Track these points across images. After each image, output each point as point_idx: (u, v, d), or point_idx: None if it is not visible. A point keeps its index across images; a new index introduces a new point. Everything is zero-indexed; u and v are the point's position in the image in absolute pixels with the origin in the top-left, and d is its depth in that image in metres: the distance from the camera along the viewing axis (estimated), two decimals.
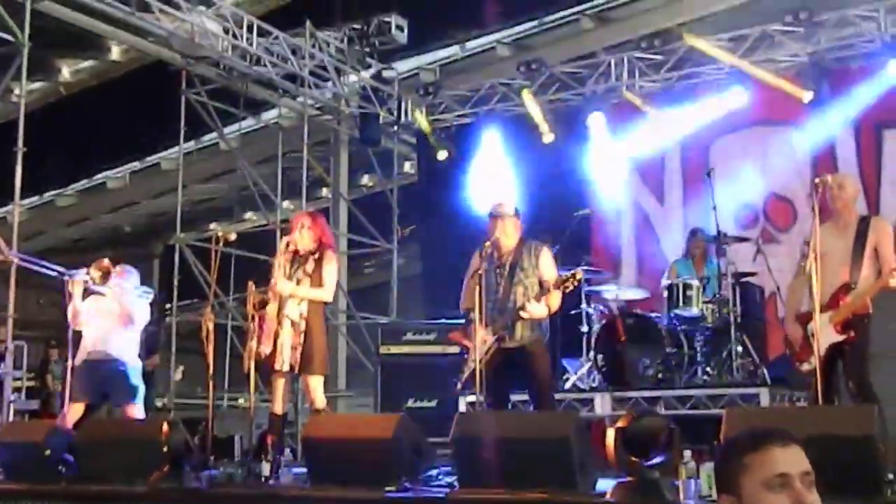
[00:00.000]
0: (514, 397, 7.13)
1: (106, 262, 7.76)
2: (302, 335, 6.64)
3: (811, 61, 10.88)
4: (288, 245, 6.83)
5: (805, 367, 6.17)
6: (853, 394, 6.00)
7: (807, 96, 10.51)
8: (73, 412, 7.53)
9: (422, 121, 12.79)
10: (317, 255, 6.81)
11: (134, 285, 8.01)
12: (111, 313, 7.80)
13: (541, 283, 6.45)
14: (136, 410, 7.79)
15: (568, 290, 6.44)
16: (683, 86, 11.67)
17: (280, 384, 6.78)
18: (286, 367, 6.65)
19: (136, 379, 7.89)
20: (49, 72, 13.82)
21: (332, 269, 6.84)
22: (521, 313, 6.33)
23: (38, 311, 10.96)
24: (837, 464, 3.68)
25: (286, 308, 6.69)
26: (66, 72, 14.07)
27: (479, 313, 6.24)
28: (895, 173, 10.48)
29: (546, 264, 6.54)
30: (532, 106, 11.96)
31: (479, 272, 6.36)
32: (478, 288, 6.25)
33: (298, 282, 6.75)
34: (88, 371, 7.70)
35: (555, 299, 6.45)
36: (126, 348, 7.82)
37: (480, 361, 6.21)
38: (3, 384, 9.49)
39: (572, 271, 6.41)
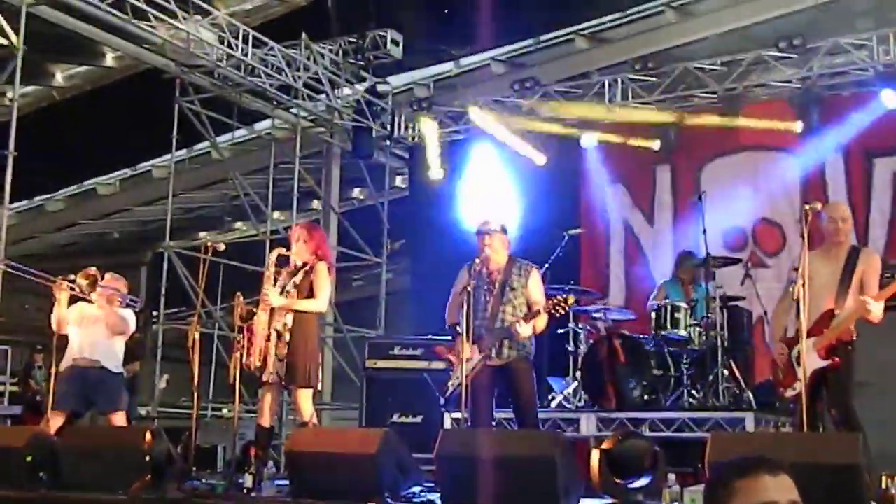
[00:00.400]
0: (499, 415, 7.13)
1: (93, 270, 7.74)
2: (286, 347, 6.62)
3: (804, 88, 10.94)
4: (279, 257, 6.84)
5: (789, 392, 6.19)
6: (835, 421, 6.01)
7: (798, 125, 10.58)
8: (57, 418, 7.49)
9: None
10: (307, 268, 6.81)
11: (121, 294, 7.99)
12: (98, 320, 7.78)
13: (528, 304, 6.49)
14: (120, 418, 7.76)
15: (558, 315, 6.47)
16: (676, 108, 11.71)
17: (268, 397, 6.76)
18: (273, 379, 6.63)
19: (121, 387, 7.87)
20: (43, 76, 13.78)
21: (326, 281, 6.83)
22: (513, 332, 6.36)
23: (23, 316, 10.91)
24: (822, 491, 3.69)
25: (274, 320, 6.68)
26: (59, 77, 14.04)
27: (465, 330, 6.25)
28: (884, 201, 10.53)
29: (535, 285, 6.60)
30: (513, 139, 12.03)
31: (468, 288, 6.38)
32: (465, 305, 6.27)
33: (287, 294, 6.74)
34: (74, 377, 7.67)
35: (542, 321, 6.48)
36: (112, 356, 7.79)
37: (466, 377, 6.21)
38: None
39: (564, 296, 6.44)
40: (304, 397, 6.68)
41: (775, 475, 2.35)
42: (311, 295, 6.74)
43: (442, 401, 6.78)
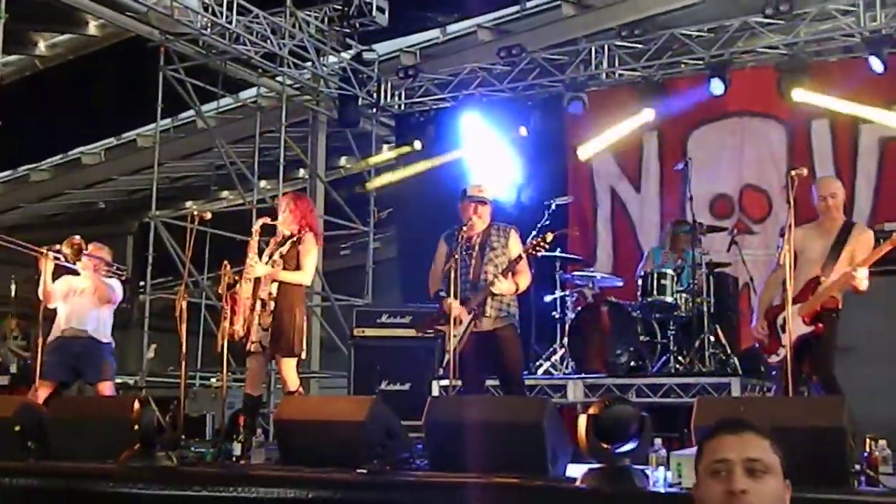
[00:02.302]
0: (489, 382, 7.18)
1: (78, 238, 7.73)
2: (271, 315, 6.64)
3: (790, 54, 10.92)
4: (264, 226, 6.85)
5: (773, 358, 6.25)
6: (817, 386, 6.09)
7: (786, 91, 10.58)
8: (45, 389, 7.51)
9: None
10: (295, 239, 6.81)
11: (106, 262, 7.99)
12: (85, 291, 7.78)
13: (510, 262, 6.53)
14: (109, 388, 7.78)
15: (538, 253, 6.54)
16: (662, 76, 11.69)
17: (254, 365, 6.80)
18: (257, 348, 6.66)
19: (109, 356, 7.87)
20: (25, 45, 13.64)
21: (312, 253, 6.86)
22: (492, 288, 6.40)
23: (8, 287, 10.84)
24: (806, 454, 3.72)
25: (259, 289, 6.69)
26: (42, 46, 13.89)
27: (453, 294, 6.28)
28: (870, 166, 10.56)
29: (515, 244, 6.66)
30: None
31: (455, 256, 6.41)
32: (453, 272, 6.31)
33: (273, 263, 6.74)
34: (62, 348, 7.68)
35: (524, 278, 6.56)
36: (100, 326, 7.80)
37: (458, 342, 6.27)
38: None
39: (541, 235, 6.49)
40: (289, 366, 6.73)
41: (737, 434, 2.36)
42: (297, 265, 6.75)
43: (441, 371, 6.79)
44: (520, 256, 6.51)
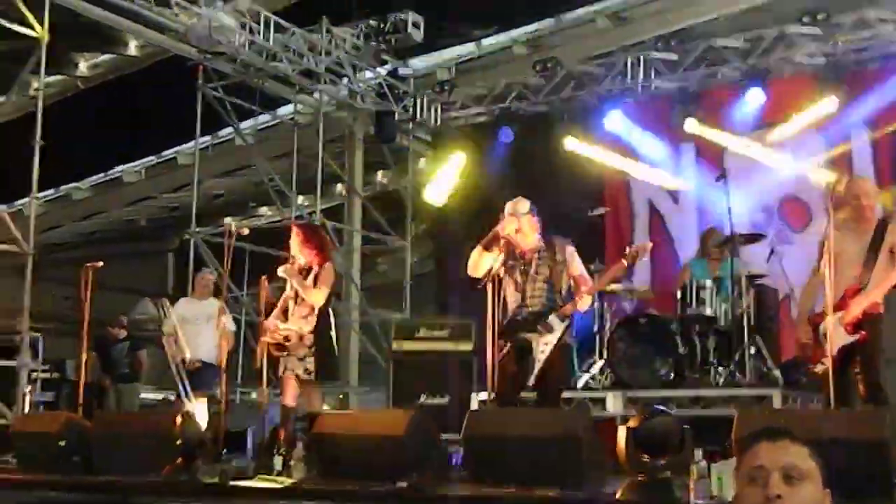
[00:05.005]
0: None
1: None
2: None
3: (828, 62, 10.85)
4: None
5: (819, 368, 6.15)
6: (864, 397, 5.97)
7: (825, 100, 10.49)
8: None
9: None
10: (316, 272, 7.03)
11: None
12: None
13: (574, 280, 6.44)
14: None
15: (637, 262, 6.50)
16: (699, 86, 11.65)
17: (291, 380, 6.88)
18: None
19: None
20: (67, 66, 13.86)
21: (330, 279, 7.08)
22: (585, 298, 6.34)
23: (51, 305, 11.01)
24: (849, 467, 3.69)
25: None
26: (83, 66, 14.10)
27: (493, 319, 6.15)
28: None
29: (574, 260, 6.49)
30: None
31: (498, 274, 6.30)
32: (492, 292, 6.18)
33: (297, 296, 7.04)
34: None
35: (587, 300, 6.45)
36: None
37: (500, 358, 6.20)
38: (18, 375, 9.56)
39: (640, 243, 6.38)
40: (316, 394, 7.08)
41: (775, 441, 2.36)
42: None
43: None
44: (621, 267, 6.49)
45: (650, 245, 6.50)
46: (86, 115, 14.10)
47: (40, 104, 9.81)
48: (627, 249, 6.44)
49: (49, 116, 9.98)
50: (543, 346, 6.26)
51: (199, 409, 8.44)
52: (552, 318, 6.28)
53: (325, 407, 7.42)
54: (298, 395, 7.05)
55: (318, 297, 6.98)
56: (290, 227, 7.56)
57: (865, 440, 4.25)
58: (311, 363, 6.89)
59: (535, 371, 6.29)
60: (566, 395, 7.41)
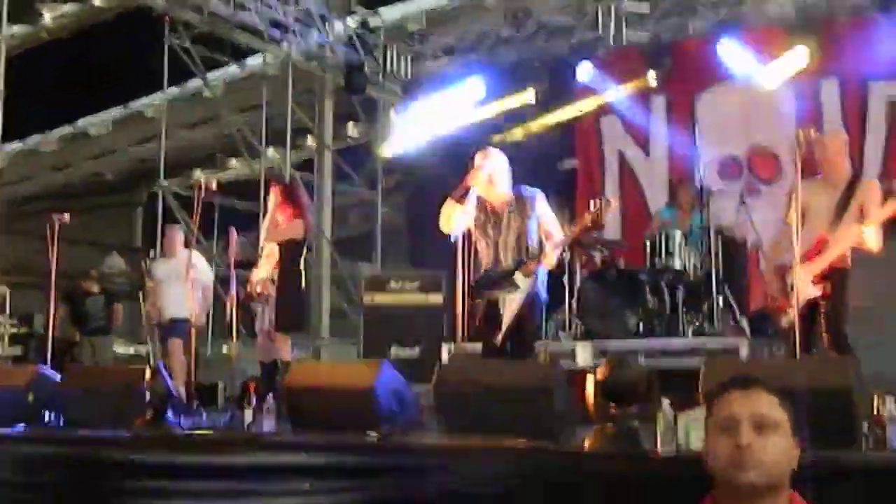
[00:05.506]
0: None
1: None
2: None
3: (799, 13, 10.83)
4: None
5: (784, 318, 6.22)
6: (829, 348, 6.05)
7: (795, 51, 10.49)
8: None
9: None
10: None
11: None
12: None
13: (544, 231, 6.42)
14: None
15: (599, 221, 6.44)
16: (670, 37, 11.61)
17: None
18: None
19: None
20: (30, 16, 13.61)
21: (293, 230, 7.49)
22: (549, 254, 6.31)
23: (23, 258, 10.91)
24: (815, 414, 3.72)
25: None
26: (47, 16, 13.84)
27: (464, 273, 6.16)
28: (879, 127, 10.49)
29: (546, 212, 6.47)
30: None
31: (470, 228, 6.29)
32: (463, 248, 6.18)
33: None
34: None
35: (551, 256, 6.43)
36: None
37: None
38: None
39: (599, 203, 6.33)
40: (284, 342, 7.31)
41: (745, 390, 2.39)
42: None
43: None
44: (562, 241, 6.45)
45: (614, 204, 6.45)
46: (50, 67, 13.88)
47: (2, 55, 9.66)
48: (590, 208, 6.40)
49: (13, 68, 9.82)
50: (511, 304, 6.30)
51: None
52: (517, 276, 6.30)
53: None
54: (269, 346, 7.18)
55: (278, 233, 7.42)
56: (266, 182, 7.83)
57: (831, 388, 4.29)
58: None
59: (503, 329, 6.34)
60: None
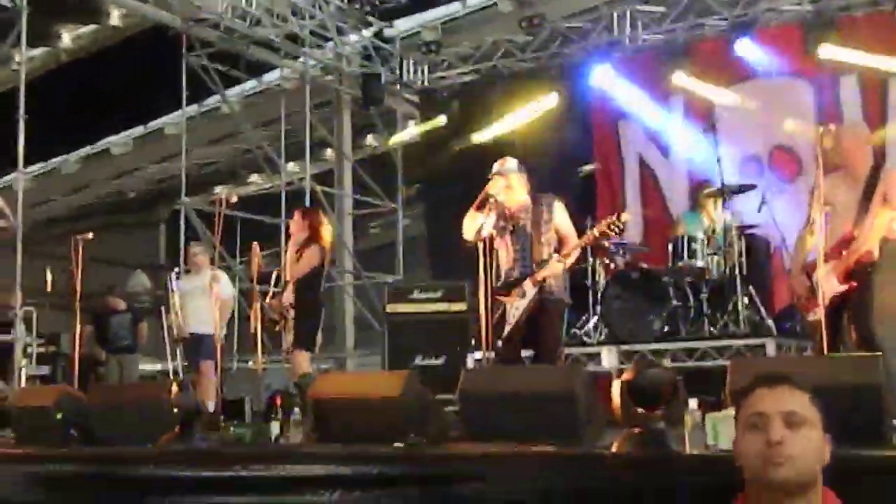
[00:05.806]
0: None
1: None
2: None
3: (815, 11, 10.78)
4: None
5: (812, 316, 6.16)
6: (856, 344, 5.98)
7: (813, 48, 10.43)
8: None
9: None
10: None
11: None
12: None
13: (560, 238, 6.40)
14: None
15: (617, 234, 6.38)
16: (686, 38, 11.58)
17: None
18: None
19: None
20: (49, 38, 13.73)
21: (311, 260, 7.82)
22: (556, 265, 6.28)
23: (44, 280, 10.97)
24: (842, 411, 3.69)
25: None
26: (66, 38, 13.97)
27: (486, 280, 6.15)
28: None
29: (561, 217, 6.46)
30: None
31: (491, 234, 6.30)
32: (486, 253, 6.17)
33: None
34: None
35: (557, 267, 6.40)
36: None
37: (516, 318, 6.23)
38: (13, 350, 9.59)
39: (611, 217, 6.28)
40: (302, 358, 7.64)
41: (774, 387, 2.37)
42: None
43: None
44: (577, 246, 6.43)
45: (626, 216, 6.37)
46: (70, 88, 14.00)
47: (23, 77, 9.72)
48: (599, 223, 6.30)
49: (34, 90, 9.90)
50: (514, 311, 6.31)
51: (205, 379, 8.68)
52: (526, 284, 6.31)
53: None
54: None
55: (296, 269, 7.75)
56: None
57: (859, 385, 4.25)
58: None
59: (504, 334, 6.35)
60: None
